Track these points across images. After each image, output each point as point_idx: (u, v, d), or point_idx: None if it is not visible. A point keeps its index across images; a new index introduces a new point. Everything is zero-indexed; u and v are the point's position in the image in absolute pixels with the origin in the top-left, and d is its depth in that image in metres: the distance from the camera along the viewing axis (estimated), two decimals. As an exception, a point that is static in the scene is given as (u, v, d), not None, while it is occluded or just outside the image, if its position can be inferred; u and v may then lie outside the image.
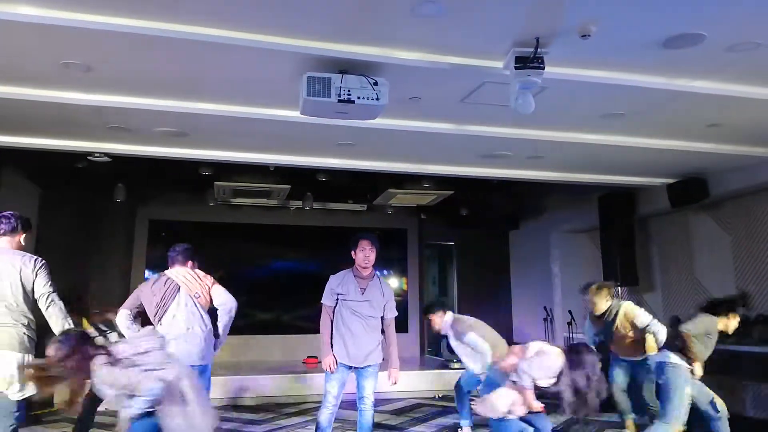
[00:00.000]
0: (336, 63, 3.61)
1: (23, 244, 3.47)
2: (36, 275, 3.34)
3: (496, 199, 9.03)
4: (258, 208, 9.53)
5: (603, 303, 5.23)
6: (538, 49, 3.36)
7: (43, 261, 3.40)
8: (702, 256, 7.31)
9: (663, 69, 3.87)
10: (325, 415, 4.20)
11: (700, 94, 4.17)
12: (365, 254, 4.26)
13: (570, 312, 8.76)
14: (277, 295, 9.73)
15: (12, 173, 7.04)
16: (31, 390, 3.13)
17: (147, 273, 9.42)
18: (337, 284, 4.29)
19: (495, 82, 3.94)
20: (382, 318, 4.36)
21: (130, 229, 9.41)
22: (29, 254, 3.40)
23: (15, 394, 3.23)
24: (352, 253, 4.33)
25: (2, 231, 3.41)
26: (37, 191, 7.89)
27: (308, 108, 3.78)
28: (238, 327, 10.02)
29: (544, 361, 3.54)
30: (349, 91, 3.59)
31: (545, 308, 9.32)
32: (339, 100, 3.58)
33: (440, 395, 7.51)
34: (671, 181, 6.92)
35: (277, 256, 9.95)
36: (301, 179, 7.88)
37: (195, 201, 9.14)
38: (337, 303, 4.27)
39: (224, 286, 4.37)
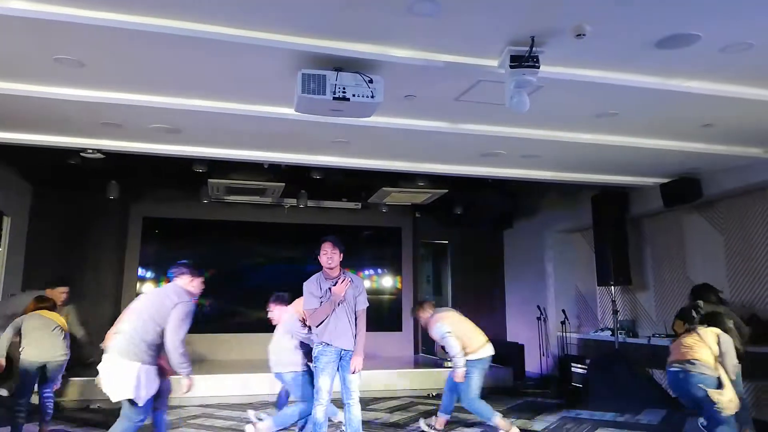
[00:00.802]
0: (331, 60, 3.60)
1: (192, 288, 4.25)
2: (171, 312, 3.93)
3: (491, 198, 9.05)
4: (252, 205, 9.51)
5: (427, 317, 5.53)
6: (534, 48, 3.37)
7: (184, 303, 3.99)
8: (695, 256, 7.34)
9: (657, 69, 3.89)
10: (321, 412, 4.32)
11: (694, 95, 4.19)
12: (328, 256, 4.43)
13: (564, 311, 8.80)
14: (272, 293, 9.69)
15: (4, 169, 7.00)
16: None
17: (140, 270, 9.39)
18: (316, 288, 4.45)
19: (490, 81, 3.94)
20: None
21: (123, 226, 9.36)
22: (185, 294, 4.11)
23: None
24: (319, 257, 4.49)
25: (176, 274, 4.25)
26: (29, 188, 7.85)
27: (303, 105, 3.78)
28: (232, 325, 10.02)
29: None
30: (344, 88, 3.59)
31: (539, 307, 9.35)
32: (334, 98, 3.58)
33: (434, 393, 7.52)
34: (665, 180, 6.95)
35: (272, 254, 9.93)
36: (295, 177, 7.87)
37: (189, 198, 9.10)
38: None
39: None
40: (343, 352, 4.40)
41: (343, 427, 4.60)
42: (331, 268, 4.44)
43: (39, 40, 3.45)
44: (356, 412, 4.37)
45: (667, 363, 4.58)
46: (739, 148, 5.61)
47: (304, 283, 4.55)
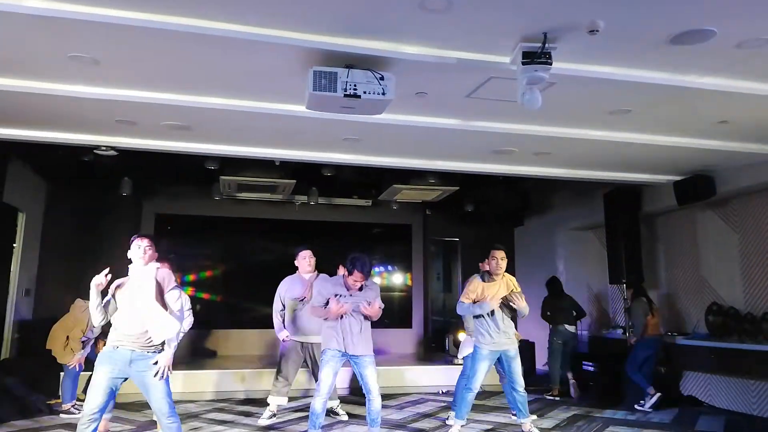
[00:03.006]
0: (342, 57, 3.60)
1: None
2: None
3: (502, 196, 9.01)
4: (263, 202, 9.54)
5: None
6: (546, 45, 3.35)
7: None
8: (708, 254, 7.27)
9: (671, 65, 3.84)
10: (320, 403, 4.49)
11: (709, 91, 4.14)
12: (354, 279, 4.58)
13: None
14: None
15: (19, 166, 7.08)
16: None
17: (152, 266, 9.44)
18: (330, 290, 4.67)
19: (502, 78, 3.92)
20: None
21: (136, 222, 9.42)
22: None
23: None
24: (348, 276, 4.61)
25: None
26: (44, 184, 7.93)
27: (314, 102, 3.78)
28: (242, 321, 10.07)
29: None
30: (355, 85, 3.58)
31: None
32: (345, 95, 3.57)
33: (444, 390, 7.52)
34: (678, 178, 6.87)
35: (282, 250, 9.93)
36: (306, 174, 7.89)
37: (201, 195, 9.15)
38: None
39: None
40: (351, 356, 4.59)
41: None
42: (355, 288, 4.63)
43: (53, 38, 3.48)
44: (375, 406, 4.55)
45: (650, 335, 6.72)
46: (755, 145, 5.53)
47: (323, 284, 4.87)
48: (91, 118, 5.00)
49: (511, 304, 5.07)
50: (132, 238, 3.83)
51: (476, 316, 5.11)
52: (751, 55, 3.63)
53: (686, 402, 6.90)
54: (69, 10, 3.16)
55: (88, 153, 6.31)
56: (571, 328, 7.58)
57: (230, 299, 9.59)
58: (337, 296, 4.58)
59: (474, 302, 5.14)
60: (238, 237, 9.81)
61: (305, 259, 5.84)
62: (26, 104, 4.62)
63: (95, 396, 3.55)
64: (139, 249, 3.76)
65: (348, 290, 4.61)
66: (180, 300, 3.81)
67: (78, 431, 3.50)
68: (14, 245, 7.27)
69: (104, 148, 5.93)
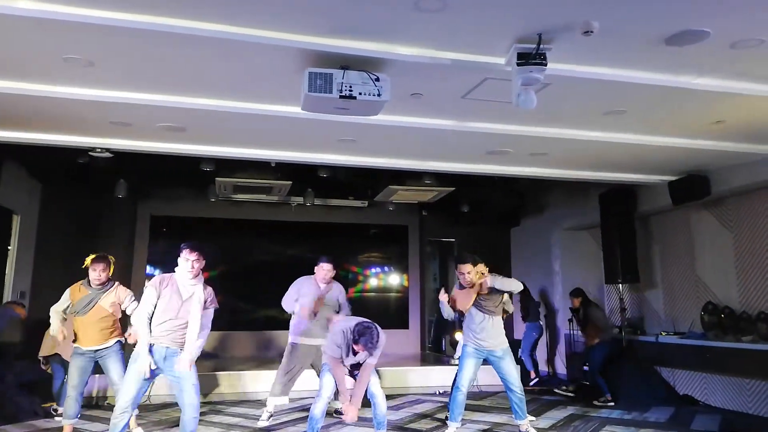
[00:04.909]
0: (337, 59, 3.60)
1: None
2: None
3: (498, 196, 9.03)
4: (259, 204, 9.53)
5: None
6: (541, 46, 3.36)
7: None
8: (703, 254, 7.29)
9: (666, 66, 3.86)
10: (320, 408, 4.46)
11: (703, 91, 4.16)
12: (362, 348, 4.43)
13: (571, 309, 8.77)
14: (279, 291, 9.71)
15: (13, 168, 7.04)
16: None
17: (148, 269, 9.44)
18: (344, 351, 4.48)
19: (497, 79, 3.93)
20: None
21: (131, 224, 9.41)
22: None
23: None
24: (358, 346, 4.39)
25: None
26: (38, 186, 7.89)
27: (310, 104, 3.78)
28: (240, 323, 10.04)
29: None
30: (350, 86, 3.58)
31: (546, 305, 9.33)
32: (340, 96, 3.58)
33: (441, 391, 7.52)
34: (673, 178, 6.90)
35: (278, 252, 9.94)
36: (302, 175, 7.88)
37: (196, 197, 9.14)
38: None
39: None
40: None
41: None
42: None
43: (48, 40, 3.47)
44: (380, 410, 4.55)
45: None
46: (749, 145, 5.56)
47: (334, 333, 4.54)
48: (86, 120, 4.99)
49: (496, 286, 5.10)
50: (181, 248, 4.03)
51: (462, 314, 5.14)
52: (745, 56, 3.65)
53: (682, 401, 6.93)
54: (64, 12, 3.16)
55: (83, 155, 6.29)
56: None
57: (227, 301, 9.52)
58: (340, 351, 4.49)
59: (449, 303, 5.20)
60: (234, 239, 9.79)
61: (323, 271, 5.77)
62: (21, 106, 4.61)
63: (130, 389, 3.86)
64: (187, 263, 4.02)
65: (349, 351, 4.48)
66: (211, 318, 4.23)
67: (112, 424, 3.83)
68: (9, 248, 7.23)
69: (99, 150, 5.91)
